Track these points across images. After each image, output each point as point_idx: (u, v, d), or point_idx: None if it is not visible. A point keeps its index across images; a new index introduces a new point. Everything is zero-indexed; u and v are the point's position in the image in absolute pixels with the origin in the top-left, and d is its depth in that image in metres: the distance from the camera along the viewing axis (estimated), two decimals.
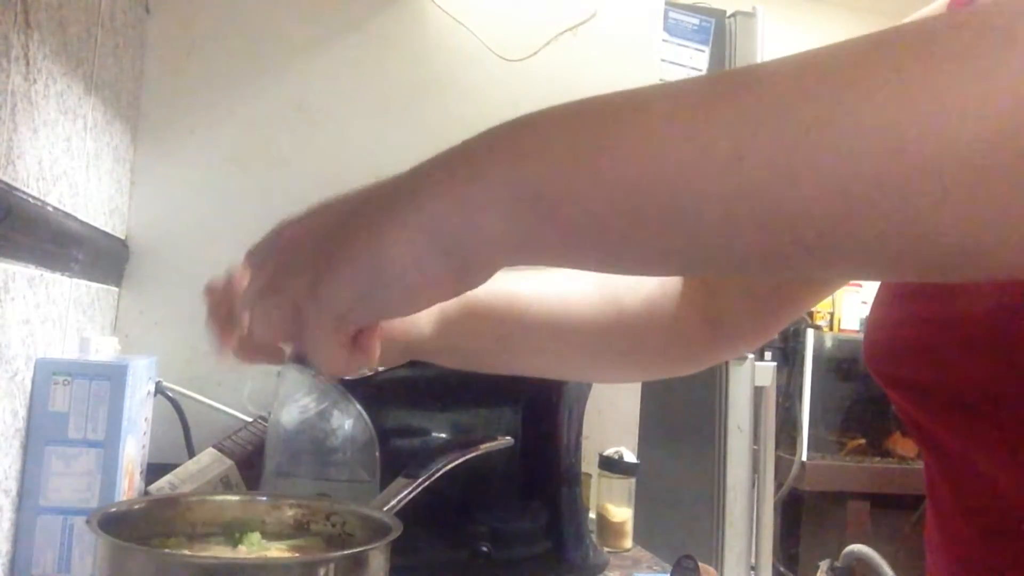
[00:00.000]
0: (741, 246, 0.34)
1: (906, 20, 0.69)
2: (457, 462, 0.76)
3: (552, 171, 0.36)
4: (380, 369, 0.87)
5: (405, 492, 0.72)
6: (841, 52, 0.33)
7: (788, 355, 2.84)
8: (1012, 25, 0.30)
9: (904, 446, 2.86)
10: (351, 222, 0.42)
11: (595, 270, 0.40)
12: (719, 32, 2.14)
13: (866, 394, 2.89)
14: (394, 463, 0.87)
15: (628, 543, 1.31)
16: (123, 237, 1.35)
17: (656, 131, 0.34)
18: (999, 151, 0.29)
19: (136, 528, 0.64)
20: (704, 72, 2.10)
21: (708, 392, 2.14)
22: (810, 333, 2.88)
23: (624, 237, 0.36)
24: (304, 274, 0.42)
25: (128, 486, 0.94)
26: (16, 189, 0.80)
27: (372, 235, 0.40)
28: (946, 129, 0.30)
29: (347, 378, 0.59)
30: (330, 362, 0.43)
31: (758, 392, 2.21)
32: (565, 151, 0.36)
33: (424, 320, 0.63)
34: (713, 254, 0.35)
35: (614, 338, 0.70)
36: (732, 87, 0.35)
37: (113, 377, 0.88)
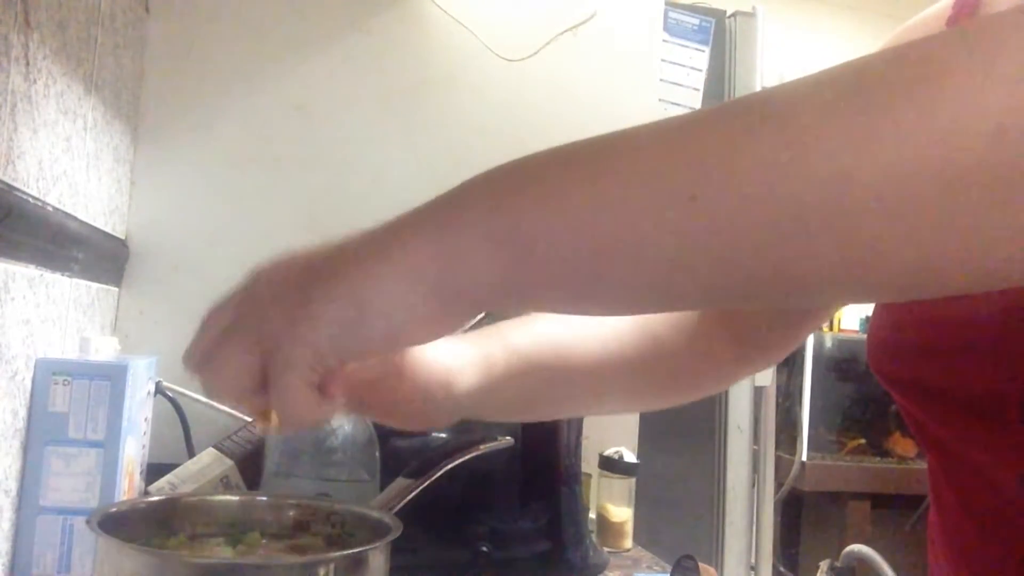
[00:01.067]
0: (700, 280, 0.36)
1: (905, 23, 0.69)
2: (457, 462, 0.76)
3: (526, 214, 0.38)
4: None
5: (405, 492, 0.72)
6: (782, 93, 0.35)
7: (788, 355, 2.83)
8: (947, 58, 0.32)
9: (904, 446, 2.86)
10: (332, 261, 0.41)
11: (572, 312, 0.42)
12: (719, 32, 2.13)
13: (866, 394, 2.89)
14: (394, 463, 0.87)
15: (628, 543, 1.31)
16: (123, 237, 1.35)
17: (618, 174, 0.37)
18: (932, 178, 0.31)
19: (136, 528, 0.64)
20: (703, 72, 2.10)
21: None
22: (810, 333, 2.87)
23: (594, 274, 0.37)
24: (277, 313, 0.41)
25: (128, 486, 0.94)
26: (16, 189, 0.80)
27: (358, 272, 0.40)
28: (884, 158, 0.31)
29: (302, 432, 0.56)
30: (298, 407, 0.42)
31: (758, 392, 2.21)
32: (538, 195, 0.38)
33: (467, 375, 0.62)
34: (677, 289, 0.38)
35: (653, 369, 0.71)
36: (687, 133, 0.37)
37: (113, 377, 0.88)
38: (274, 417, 0.47)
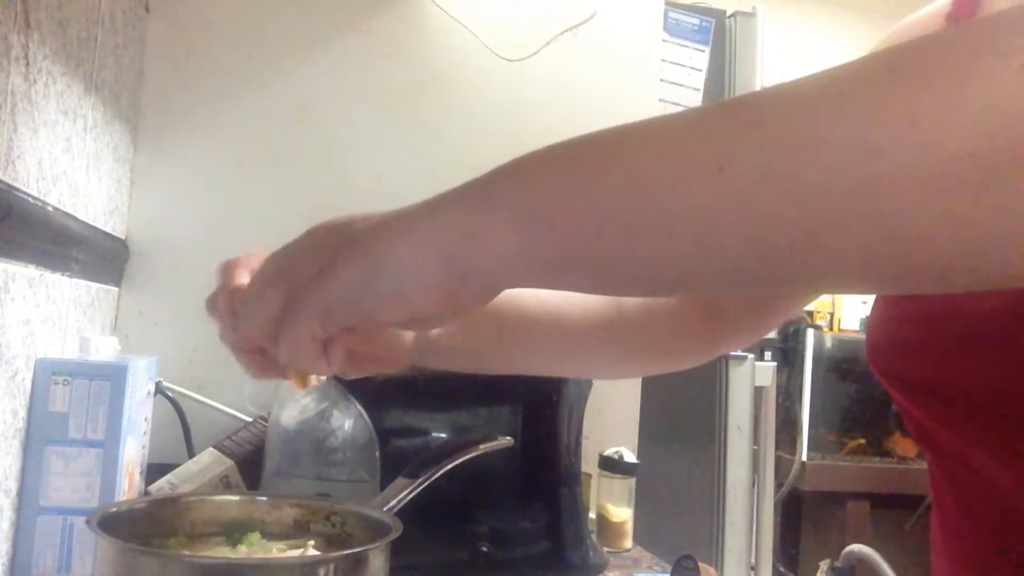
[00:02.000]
0: (727, 256, 0.35)
1: (904, 20, 0.69)
2: (457, 462, 0.76)
3: (551, 188, 0.38)
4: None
5: (405, 492, 0.72)
6: (818, 77, 0.35)
7: (788, 355, 2.83)
8: (977, 47, 0.31)
9: (904, 446, 2.86)
10: (368, 226, 0.44)
11: (592, 291, 0.43)
12: (719, 32, 2.14)
13: (866, 394, 2.89)
14: (394, 463, 0.87)
15: (628, 543, 1.31)
16: (123, 237, 1.35)
17: (646, 150, 0.37)
18: (967, 157, 0.30)
19: (136, 528, 0.64)
20: (703, 72, 2.10)
21: (708, 392, 2.13)
22: (810, 333, 2.88)
23: (618, 249, 0.37)
24: (307, 267, 0.44)
25: (128, 486, 0.94)
26: (16, 189, 0.80)
27: (380, 235, 0.42)
28: (921, 140, 0.31)
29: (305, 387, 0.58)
30: (298, 354, 0.44)
31: (758, 392, 2.21)
32: (563, 172, 0.39)
33: None
34: (702, 267, 0.37)
35: (615, 334, 0.70)
36: (715, 112, 0.37)
37: (113, 377, 0.88)
38: (310, 378, 0.52)
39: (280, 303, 0.45)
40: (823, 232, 0.33)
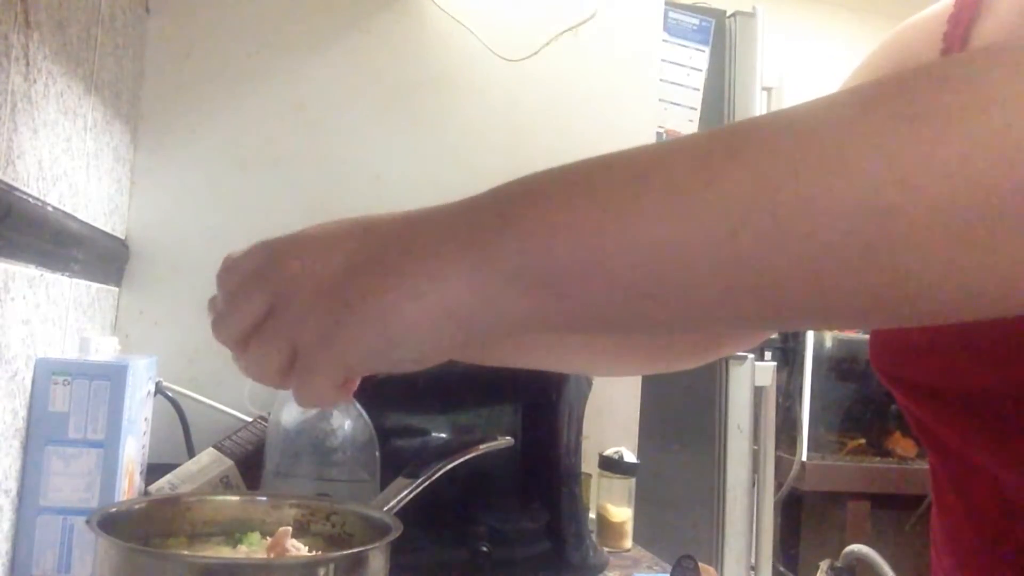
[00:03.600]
0: (742, 311, 0.36)
1: (905, 22, 0.69)
2: (457, 462, 0.76)
3: (561, 251, 0.37)
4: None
5: (405, 492, 0.72)
6: (823, 115, 0.35)
7: (788, 355, 2.83)
8: (988, 87, 0.31)
9: (904, 446, 2.86)
10: (363, 275, 0.42)
11: (606, 337, 0.42)
12: (719, 32, 2.14)
13: (866, 394, 2.89)
14: (394, 463, 0.87)
15: (628, 543, 1.31)
16: (123, 237, 1.35)
17: (656, 210, 0.36)
18: (978, 208, 0.31)
19: (136, 528, 0.64)
20: (703, 72, 2.10)
21: (708, 392, 2.13)
22: (810, 333, 2.88)
23: (632, 311, 0.38)
24: (311, 323, 0.42)
25: (128, 486, 0.94)
26: (16, 189, 0.80)
27: (388, 302, 0.40)
28: (931, 188, 0.31)
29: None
30: (317, 400, 0.44)
31: (758, 392, 2.21)
32: (572, 230, 0.37)
33: None
34: (711, 318, 0.38)
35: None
36: (724, 159, 0.35)
37: (113, 377, 0.88)
38: None
39: (284, 355, 0.43)
40: (834, 287, 0.34)
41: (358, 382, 0.47)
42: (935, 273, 0.32)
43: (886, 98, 0.34)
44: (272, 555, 0.65)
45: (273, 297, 0.44)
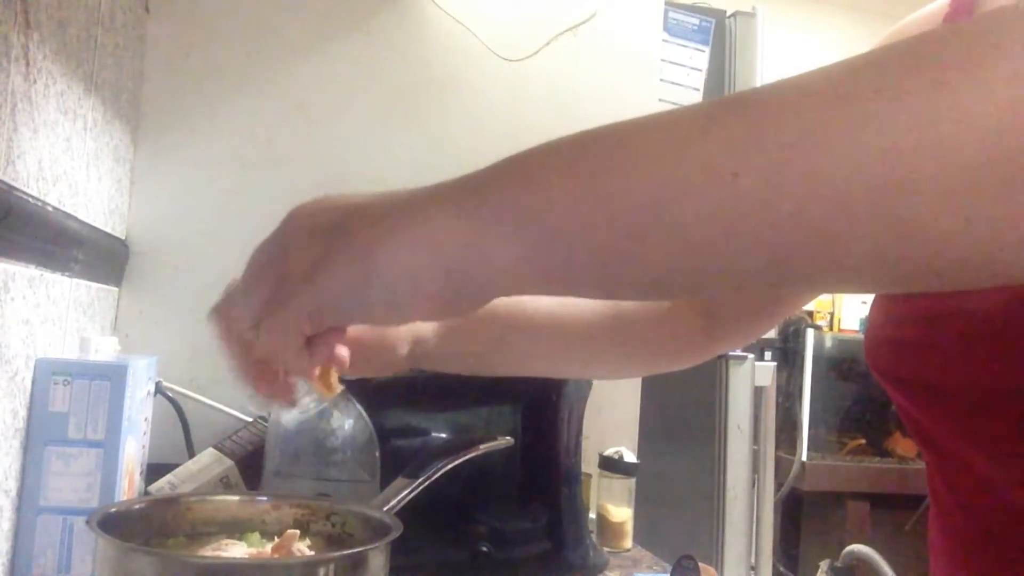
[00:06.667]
0: (741, 261, 0.35)
1: (903, 21, 0.69)
2: (457, 462, 0.76)
3: (556, 195, 0.36)
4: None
5: (405, 492, 0.72)
6: (832, 69, 0.34)
7: (788, 355, 2.84)
8: (999, 39, 0.31)
9: (904, 446, 2.86)
10: (357, 216, 0.42)
11: (595, 296, 0.42)
12: (719, 32, 2.14)
13: (866, 394, 2.90)
14: (394, 463, 0.87)
15: (628, 543, 1.31)
16: (123, 237, 1.35)
17: (656, 154, 0.35)
18: (993, 156, 0.30)
19: (136, 528, 0.64)
20: (703, 72, 2.10)
21: (708, 392, 2.14)
22: (810, 333, 2.88)
23: (626, 258, 0.36)
24: (299, 259, 0.42)
25: (128, 486, 0.94)
26: (16, 189, 0.80)
27: (375, 235, 0.40)
28: (941, 139, 0.30)
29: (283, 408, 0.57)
30: (277, 343, 0.43)
31: (758, 392, 2.21)
32: (568, 176, 0.37)
33: (426, 327, 0.64)
34: (713, 271, 0.36)
35: (612, 335, 0.70)
36: (726, 110, 0.35)
37: (113, 377, 0.88)
38: (334, 384, 0.51)
39: (268, 295, 0.43)
40: (839, 234, 0.32)
41: (325, 350, 0.45)
42: (945, 223, 0.31)
43: (895, 48, 0.33)
44: (276, 556, 0.65)
45: (266, 257, 0.45)
